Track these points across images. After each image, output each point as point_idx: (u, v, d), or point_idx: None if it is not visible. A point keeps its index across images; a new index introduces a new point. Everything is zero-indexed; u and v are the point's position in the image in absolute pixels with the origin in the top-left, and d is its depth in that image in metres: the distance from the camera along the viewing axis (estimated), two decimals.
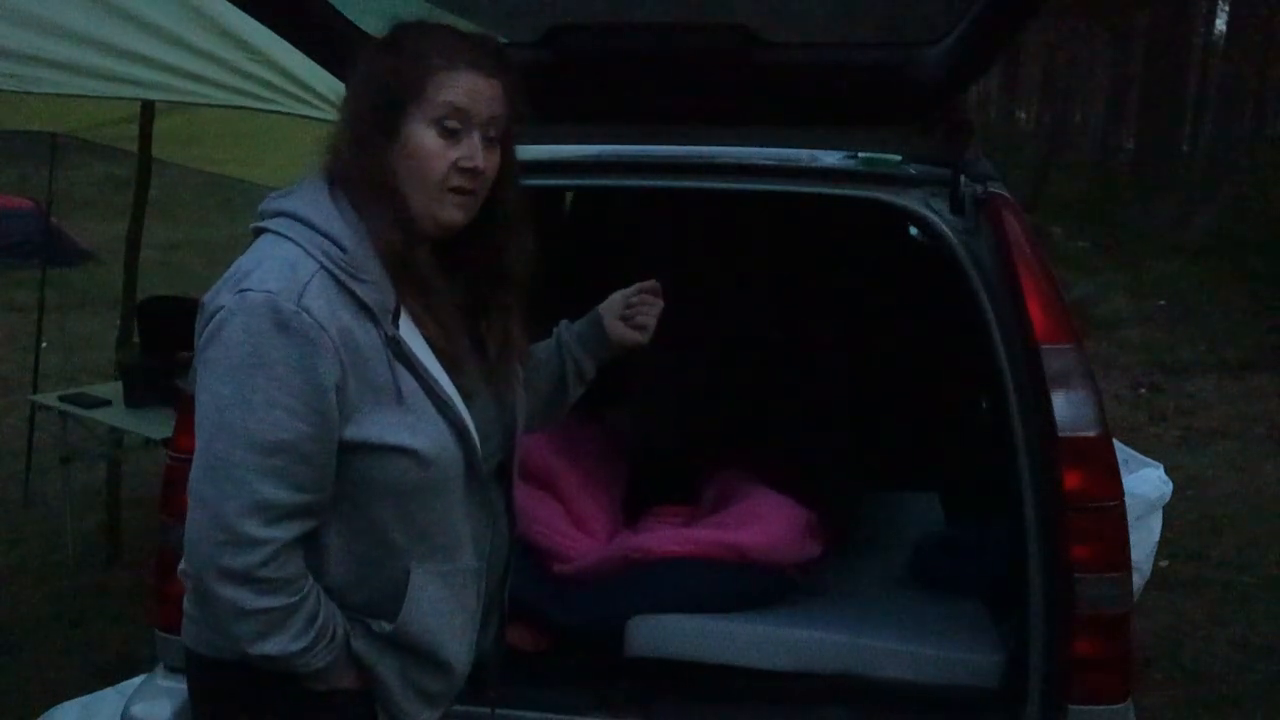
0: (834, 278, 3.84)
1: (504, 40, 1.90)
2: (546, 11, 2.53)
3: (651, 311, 2.15)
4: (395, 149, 1.65)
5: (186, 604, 1.75)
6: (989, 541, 2.65)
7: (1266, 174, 16.31)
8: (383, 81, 1.66)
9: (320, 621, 1.61)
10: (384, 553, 1.67)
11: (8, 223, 11.69)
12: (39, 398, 5.47)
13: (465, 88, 1.65)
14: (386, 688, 1.71)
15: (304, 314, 1.54)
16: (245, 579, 1.54)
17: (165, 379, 4.70)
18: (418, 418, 1.64)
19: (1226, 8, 22.03)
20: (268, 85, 3.80)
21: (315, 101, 3.83)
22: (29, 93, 3.89)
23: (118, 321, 5.67)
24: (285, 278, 1.56)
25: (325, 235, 1.61)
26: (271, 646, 1.58)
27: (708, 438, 3.34)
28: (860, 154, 2.49)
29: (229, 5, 2.28)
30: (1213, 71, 23.81)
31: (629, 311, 2.14)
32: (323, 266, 1.59)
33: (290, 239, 1.62)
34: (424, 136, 1.64)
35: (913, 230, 3.34)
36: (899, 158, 2.49)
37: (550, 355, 2.13)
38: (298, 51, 2.59)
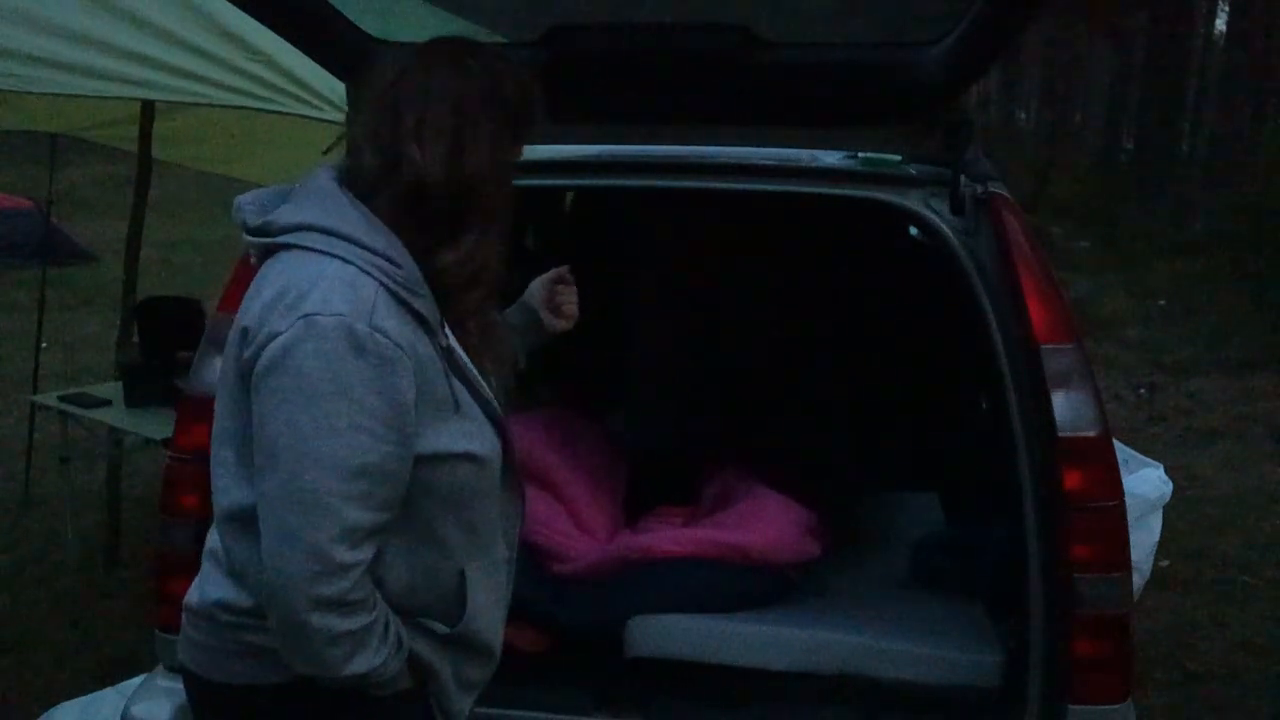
0: (834, 278, 3.84)
1: (504, 40, 1.91)
2: (546, 11, 2.53)
3: (572, 298, 2.18)
4: None
5: (220, 638, 1.70)
6: (989, 541, 2.65)
7: (1266, 174, 16.29)
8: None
9: (392, 631, 1.64)
10: (440, 556, 1.69)
11: (8, 223, 11.69)
12: (39, 398, 5.47)
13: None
14: (442, 684, 1.75)
15: (378, 334, 1.54)
16: (338, 605, 1.54)
17: (165, 379, 4.71)
18: (473, 423, 1.68)
19: (1226, 8, 22.02)
20: (267, 85, 3.80)
21: (315, 101, 3.83)
22: (29, 93, 3.89)
23: (118, 321, 5.68)
24: (350, 299, 1.55)
25: (376, 252, 1.60)
26: (358, 665, 1.58)
27: (707, 438, 3.34)
28: (860, 154, 2.49)
29: (229, 5, 2.28)
30: (1213, 71, 23.78)
31: (556, 300, 2.18)
32: (381, 284, 1.58)
33: (336, 256, 1.59)
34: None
35: (913, 230, 3.33)
36: (899, 158, 2.49)
37: None
38: (298, 51, 2.59)
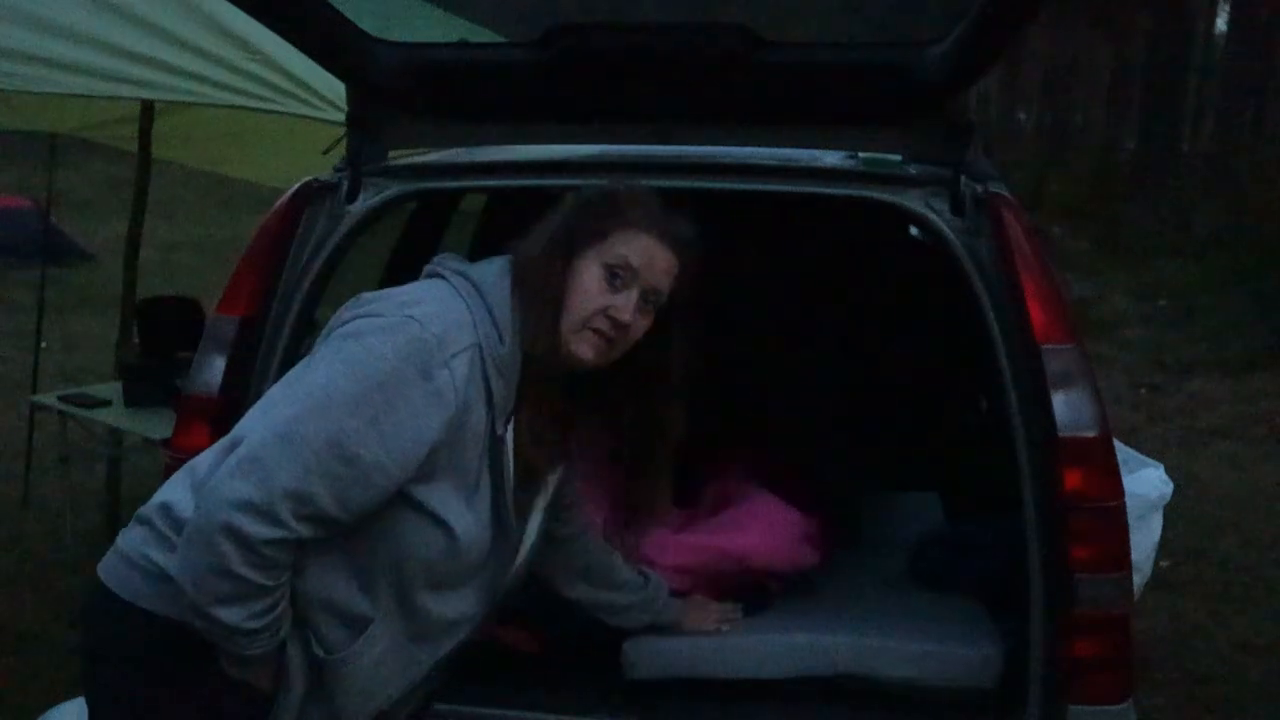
0: (834, 278, 3.83)
1: (504, 40, 1.93)
2: (546, 11, 2.53)
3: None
4: (566, 270, 1.76)
5: (134, 547, 1.75)
6: (989, 538, 2.65)
7: (1267, 174, 16.30)
8: (584, 211, 1.82)
9: (276, 614, 1.64)
10: (362, 599, 1.71)
11: (8, 223, 11.69)
12: (39, 398, 5.47)
13: (644, 249, 1.77)
14: (286, 705, 1.74)
15: (447, 371, 1.63)
16: (247, 544, 1.55)
17: (165, 379, 4.71)
18: (474, 509, 1.72)
19: (1226, 8, 22.02)
20: (267, 85, 3.81)
21: (315, 101, 3.84)
22: (29, 92, 3.89)
23: (118, 321, 5.68)
24: (448, 332, 1.65)
25: (494, 320, 1.72)
26: (226, 614, 1.59)
27: (707, 438, 3.34)
28: (860, 154, 2.49)
29: (229, 5, 2.28)
30: (1213, 71, 23.79)
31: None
32: (479, 344, 1.69)
33: (464, 301, 1.72)
34: (591, 272, 1.76)
35: (913, 230, 3.33)
36: (899, 158, 2.48)
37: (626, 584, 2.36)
38: (298, 51, 2.59)
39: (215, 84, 3.76)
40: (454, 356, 1.64)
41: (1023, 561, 2.24)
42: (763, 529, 2.73)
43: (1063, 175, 20.69)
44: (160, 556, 1.70)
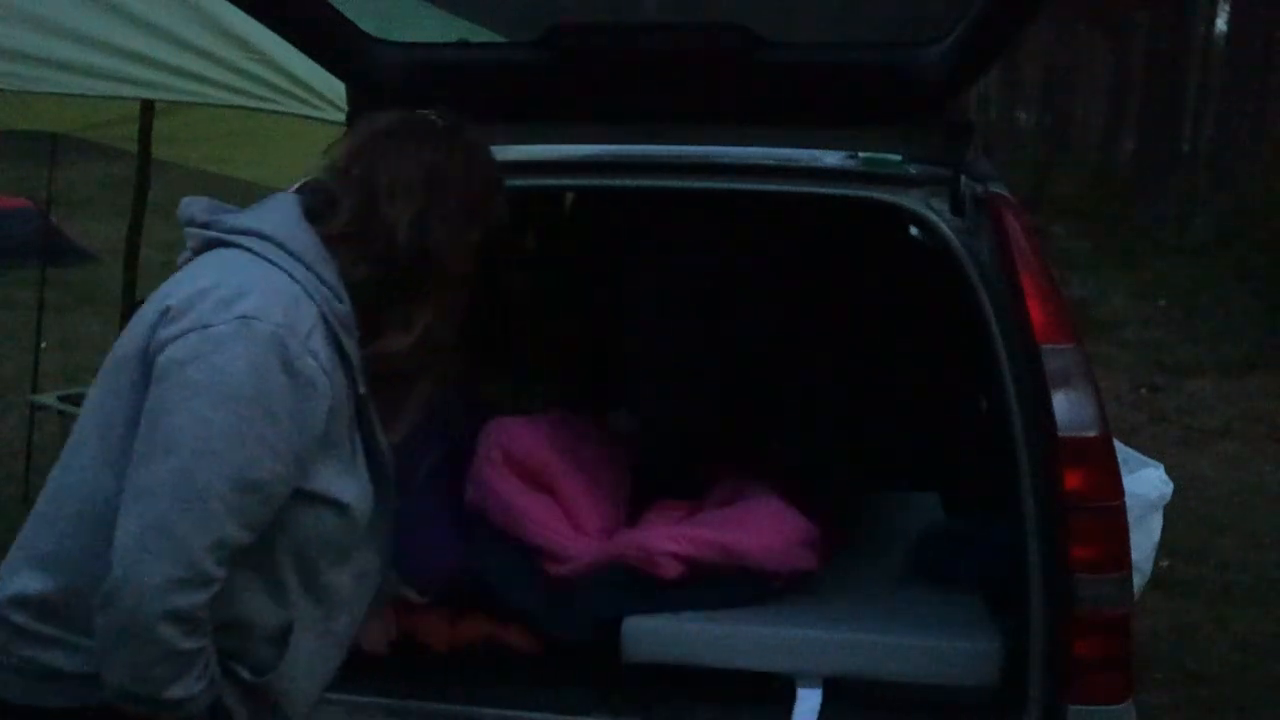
0: (834, 278, 3.83)
1: (504, 40, 1.93)
2: (546, 11, 2.54)
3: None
4: None
5: (5, 652, 1.57)
6: (990, 534, 2.65)
7: (1267, 174, 16.30)
8: (392, 136, 1.71)
9: (212, 665, 1.55)
10: (274, 604, 1.62)
11: (8, 223, 11.68)
12: (39, 398, 5.48)
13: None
14: None
15: (309, 358, 1.52)
16: (187, 619, 1.46)
17: None
18: (355, 473, 1.65)
19: (1226, 8, 22.03)
20: (267, 85, 3.81)
21: (315, 101, 3.84)
22: (29, 92, 3.90)
23: (118, 321, 5.67)
24: (291, 315, 1.53)
25: (325, 283, 1.60)
26: (177, 690, 1.48)
27: (709, 437, 3.34)
28: (860, 154, 2.49)
29: (229, 5, 2.29)
30: (1213, 71, 23.79)
31: None
32: (322, 312, 1.57)
33: (283, 270, 1.58)
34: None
35: (913, 230, 3.33)
36: (899, 158, 2.48)
37: None
38: (298, 51, 2.60)
39: (215, 84, 3.77)
40: (308, 337, 1.52)
41: (1023, 559, 2.24)
42: (764, 530, 2.74)
43: (1063, 175, 20.68)
44: (41, 655, 1.56)
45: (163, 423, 1.47)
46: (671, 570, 2.60)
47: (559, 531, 2.79)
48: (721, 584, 2.65)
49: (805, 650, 2.50)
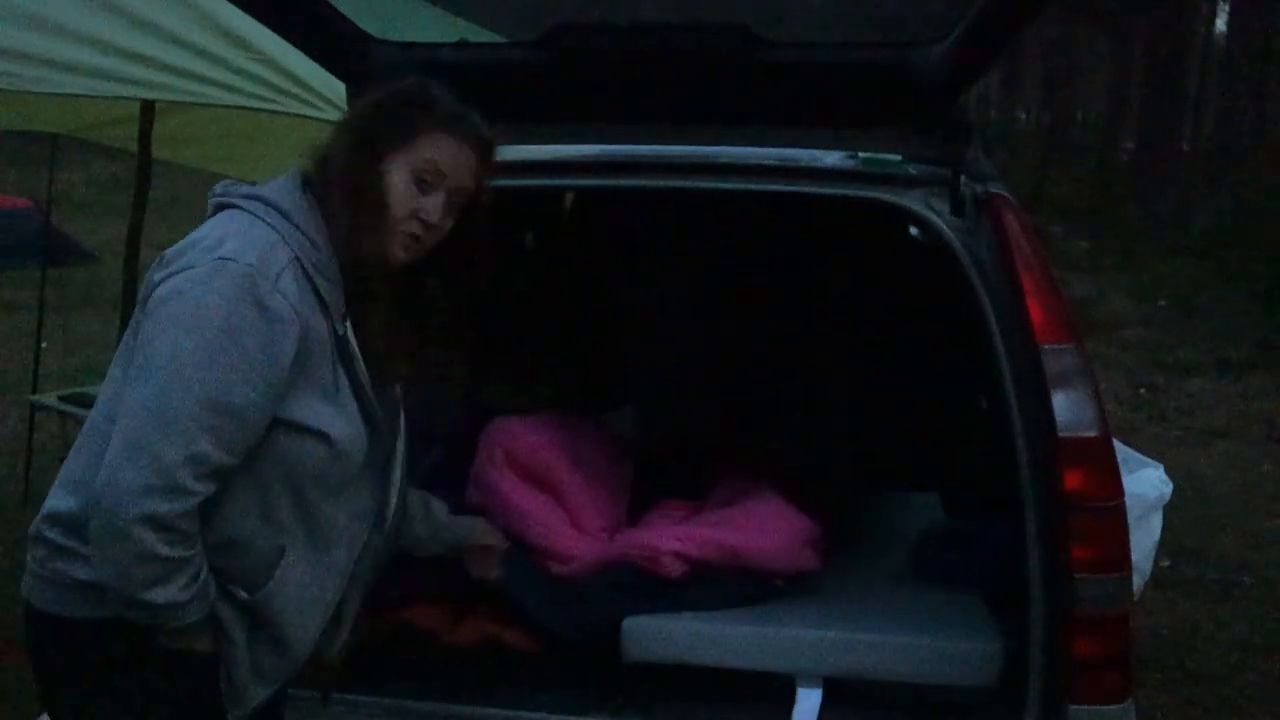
0: (834, 278, 3.84)
1: (503, 40, 1.94)
2: (546, 11, 2.54)
3: (490, 571, 2.46)
4: (373, 174, 1.82)
5: (42, 565, 1.80)
6: (990, 538, 2.65)
7: (1267, 174, 16.31)
8: (387, 116, 1.84)
9: (202, 578, 1.70)
10: (267, 528, 1.77)
11: (8, 223, 11.69)
12: (39, 398, 5.48)
13: (450, 153, 1.84)
14: (235, 653, 1.79)
15: (279, 295, 1.68)
16: (164, 525, 1.61)
17: None
18: (341, 410, 1.79)
19: (1226, 8, 22.02)
20: (267, 85, 3.81)
21: (315, 101, 3.83)
22: (29, 92, 3.89)
23: (118, 321, 5.68)
24: (264, 257, 1.69)
25: (302, 231, 1.77)
26: (160, 594, 1.65)
27: (710, 438, 3.34)
28: (860, 154, 2.49)
29: (229, 5, 2.29)
30: (1213, 71, 23.79)
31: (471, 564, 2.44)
32: (296, 257, 1.74)
33: (267, 223, 1.75)
34: (400, 175, 1.82)
35: (913, 230, 3.34)
36: (899, 158, 2.48)
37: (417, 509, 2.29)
38: (298, 51, 2.60)
39: (215, 84, 3.76)
40: (279, 276, 1.69)
41: (1022, 559, 2.24)
42: (766, 531, 2.74)
43: (1063, 175, 20.69)
44: (68, 566, 1.76)
45: (147, 351, 1.67)
46: (675, 570, 2.61)
47: (561, 532, 2.79)
48: (723, 583, 2.66)
49: (805, 650, 2.50)
